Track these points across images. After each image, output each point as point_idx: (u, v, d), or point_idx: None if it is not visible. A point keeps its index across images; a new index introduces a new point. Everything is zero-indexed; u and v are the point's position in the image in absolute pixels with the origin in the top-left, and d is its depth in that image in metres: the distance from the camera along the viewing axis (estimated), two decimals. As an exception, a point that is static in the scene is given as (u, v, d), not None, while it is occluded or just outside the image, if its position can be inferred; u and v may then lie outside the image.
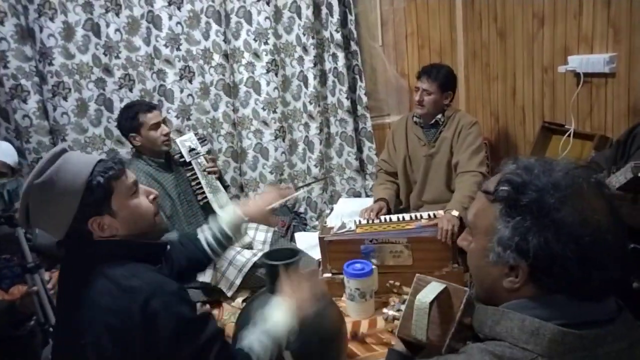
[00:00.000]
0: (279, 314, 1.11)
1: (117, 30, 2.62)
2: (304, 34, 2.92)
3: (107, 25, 2.59)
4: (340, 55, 3.02)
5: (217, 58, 2.80)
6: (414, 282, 0.97)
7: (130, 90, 2.69)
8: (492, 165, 2.62)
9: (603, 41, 2.04)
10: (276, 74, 2.93)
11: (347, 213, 2.25)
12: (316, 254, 2.00)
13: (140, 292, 0.96)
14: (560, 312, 0.69)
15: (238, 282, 2.06)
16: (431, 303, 0.90)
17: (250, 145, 3.00)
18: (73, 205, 0.99)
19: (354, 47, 3.10)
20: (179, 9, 2.71)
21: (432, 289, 0.92)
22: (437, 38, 3.17)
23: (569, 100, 2.25)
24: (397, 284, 1.38)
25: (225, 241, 1.33)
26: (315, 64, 2.97)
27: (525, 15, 2.46)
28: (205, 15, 2.76)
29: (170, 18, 2.69)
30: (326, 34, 3.02)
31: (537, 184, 0.70)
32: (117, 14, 2.60)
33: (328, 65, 3.07)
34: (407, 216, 1.98)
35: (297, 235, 2.63)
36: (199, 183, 2.30)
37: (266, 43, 2.87)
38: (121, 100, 2.66)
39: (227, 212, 1.36)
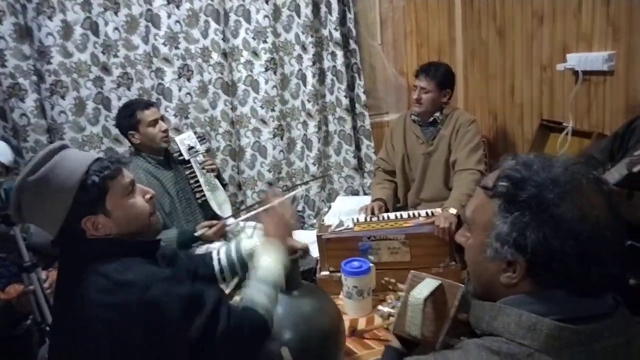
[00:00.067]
0: (266, 258, 1.12)
1: (116, 28, 2.61)
2: (303, 33, 2.92)
3: (106, 24, 2.59)
4: (339, 53, 3.02)
5: (215, 56, 2.80)
6: (408, 279, 0.98)
7: (129, 88, 2.69)
8: (490, 163, 2.62)
9: (602, 39, 2.04)
10: (275, 73, 2.92)
11: (345, 211, 2.25)
12: (314, 251, 2.00)
13: (136, 285, 0.96)
14: (557, 308, 0.69)
15: (233, 284, 2.06)
16: (425, 299, 0.90)
17: (249, 144, 3.00)
18: (66, 203, 0.99)
19: (352, 45, 3.10)
20: (177, 7, 2.70)
21: (426, 286, 0.92)
22: (436, 36, 3.16)
23: (567, 98, 2.25)
24: (393, 280, 1.38)
25: (239, 268, 1.31)
26: (314, 63, 2.96)
27: (524, 14, 2.46)
28: (204, 13, 2.75)
29: (169, 16, 2.68)
30: (325, 32, 3.02)
31: (536, 179, 0.70)
32: (116, 13, 2.60)
33: (327, 63, 3.07)
34: (404, 214, 1.98)
35: (295, 233, 2.62)
36: (198, 181, 2.31)
37: (265, 41, 2.87)
38: (119, 98, 2.66)
39: (253, 241, 1.33)
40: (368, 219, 2.00)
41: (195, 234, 2.01)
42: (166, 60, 2.72)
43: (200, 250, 2.09)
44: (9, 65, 2.39)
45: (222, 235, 2.18)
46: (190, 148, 2.32)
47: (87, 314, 0.97)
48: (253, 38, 2.86)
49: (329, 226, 1.89)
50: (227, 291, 2.08)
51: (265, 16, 2.84)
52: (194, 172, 2.31)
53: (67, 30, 2.50)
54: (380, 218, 2.00)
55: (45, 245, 1.09)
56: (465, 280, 0.90)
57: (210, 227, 2.02)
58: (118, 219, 1.04)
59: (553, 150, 2.30)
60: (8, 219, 1.59)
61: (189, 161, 2.32)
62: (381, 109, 3.37)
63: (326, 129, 3.16)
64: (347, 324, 1.49)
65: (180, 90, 2.78)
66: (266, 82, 2.91)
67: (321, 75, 3.06)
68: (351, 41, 3.10)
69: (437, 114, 2.27)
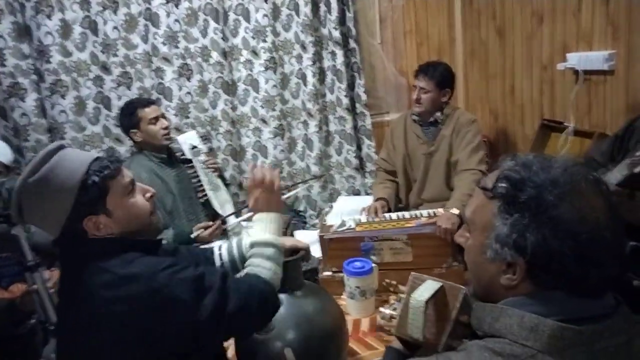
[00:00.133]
0: (260, 228, 1.16)
1: (115, 27, 2.61)
2: (303, 32, 2.92)
3: (105, 23, 2.58)
4: (339, 52, 3.02)
5: (215, 56, 2.79)
6: (409, 281, 0.97)
7: (129, 88, 2.69)
8: (491, 163, 2.62)
9: (602, 38, 2.04)
10: (275, 72, 2.92)
11: (347, 211, 2.25)
12: (316, 252, 2.00)
13: (141, 277, 0.96)
14: (558, 308, 0.70)
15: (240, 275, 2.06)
16: (427, 302, 0.90)
17: (249, 143, 3.00)
18: (67, 204, 0.99)
19: (352, 44, 3.10)
20: (176, 6, 2.70)
21: (427, 288, 0.92)
22: (436, 36, 3.16)
23: (568, 98, 2.25)
24: (394, 282, 1.38)
25: (241, 265, 1.31)
26: (314, 62, 2.96)
27: (524, 13, 2.46)
28: (203, 12, 2.75)
29: (168, 15, 2.68)
30: (325, 31, 3.01)
31: (536, 180, 0.70)
32: (115, 12, 2.59)
33: (327, 62, 3.07)
34: (406, 214, 1.98)
35: (297, 233, 2.63)
36: (200, 180, 2.32)
37: (264, 41, 2.86)
38: (119, 98, 2.65)
39: (251, 236, 1.33)
40: (370, 219, 2.00)
41: (192, 236, 2.01)
42: (166, 59, 2.72)
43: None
44: (8, 64, 2.38)
45: (223, 232, 2.18)
46: (193, 147, 2.33)
47: (93, 312, 0.97)
48: (252, 37, 2.85)
49: (331, 226, 1.89)
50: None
51: (265, 15, 2.83)
52: (196, 171, 2.32)
53: (66, 29, 2.49)
54: (382, 218, 2.00)
55: (47, 245, 1.09)
56: (468, 282, 0.90)
57: (206, 228, 2.02)
58: (119, 219, 1.04)
59: (554, 150, 2.31)
60: (10, 219, 1.59)
61: (191, 160, 2.32)
62: (381, 109, 3.37)
63: (327, 129, 3.15)
64: (349, 324, 1.49)
65: (180, 89, 2.78)
66: (266, 81, 2.91)
67: (321, 75, 3.06)
68: (351, 40, 3.09)
69: (438, 113, 2.26)
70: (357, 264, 1.62)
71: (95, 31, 2.57)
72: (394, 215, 2.01)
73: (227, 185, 2.49)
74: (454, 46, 3.05)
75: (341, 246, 1.80)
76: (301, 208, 3.14)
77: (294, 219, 2.91)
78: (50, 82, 2.50)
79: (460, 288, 0.90)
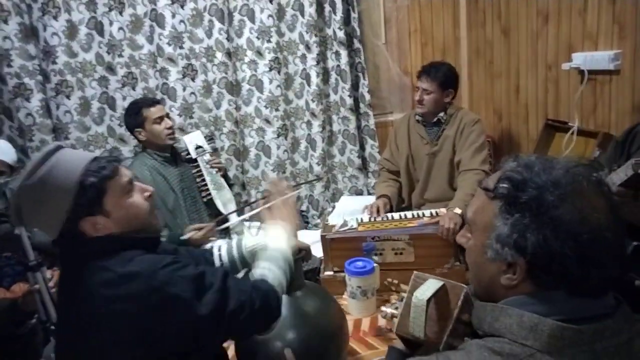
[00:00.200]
0: (273, 238, 1.14)
1: (121, 28, 2.62)
2: (307, 32, 2.92)
3: (111, 24, 2.60)
4: (343, 53, 3.02)
5: (219, 56, 2.80)
6: (411, 280, 0.97)
7: (133, 88, 2.70)
8: (494, 163, 2.61)
9: (608, 38, 2.02)
10: (279, 72, 2.93)
11: (349, 211, 2.25)
12: (318, 251, 2.00)
13: (141, 275, 0.96)
14: (558, 308, 0.69)
15: (240, 276, 2.06)
16: (428, 300, 0.90)
17: (253, 143, 3.01)
18: (65, 205, 0.98)
19: (357, 44, 3.10)
20: (182, 7, 2.71)
21: (429, 286, 0.92)
22: (441, 36, 3.15)
23: (572, 97, 2.23)
24: (395, 281, 1.38)
25: (240, 266, 1.32)
26: (318, 62, 2.96)
27: (530, 13, 2.44)
28: (208, 13, 2.76)
29: (173, 16, 2.69)
30: (329, 31, 3.01)
31: (537, 181, 0.70)
32: (121, 13, 2.61)
33: (331, 63, 3.07)
34: (409, 214, 1.98)
35: (299, 233, 2.63)
36: (204, 180, 2.34)
37: (269, 41, 2.87)
38: (124, 98, 2.67)
39: (255, 240, 1.34)
40: (372, 218, 1.99)
41: (183, 237, 2.02)
42: (171, 60, 2.73)
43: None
44: (14, 65, 2.40)
45: (225, 231, 2.18)
46: (198, 147, 2.36)
47: (94, 311, 0.97)
48: (257, 37, 2.86)
49: (333, 226, 1.88)
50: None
51: (270, 16, 2.84)
52: (200, 170, 2.34)
53: (72, 30, 2.51)
54: (384, 218, 1.99)
55: (48, 244, 1.09)
56: (470, 281, 0.90)
57: (199, 229, 2.03)
58: (117, 219, 1.04)
59: (558, 150, 2.29)
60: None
61: (196, 160, 2.34)
62: (385, 109, 3.36)
63: (330, 129, 3.15)
64: (350, 324, 1.49)
65: (184, 89, 2.79)
66: (270, 81, 2.91)
67: (325, 75, 3.06)
68: (355, 40, 3.09)
69: (441, 114, 2.26)
70: (359, 263, 1.62)
71: (101, 32, 2.59)
72: (396, 215, 2.01)
73: (230, 185, 2.50)
74: (459, 46, 3.04)
75: (343, 246, 1.80)
76: (304, 208, 3.14)
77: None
78: (55, 83, 2.52)
79: (462, 287, 0.90)
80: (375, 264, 1.64)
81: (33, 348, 1.71)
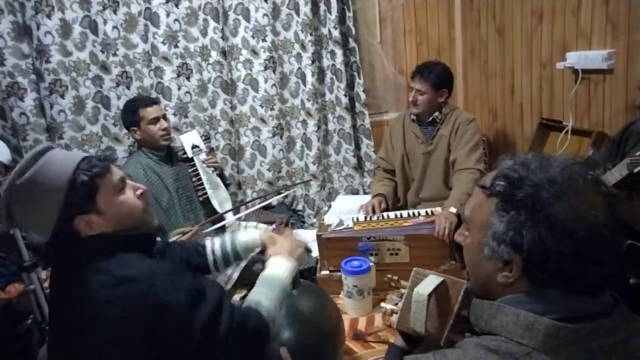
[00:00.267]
0: (274, 267, 1.12)
1: (115, 27, 2.61)
2: (302, 31, 2.92)
3: (105, 23, 2.58)
4: (339, 52, 3.02)
5: (214, 55, 2.79)
6: (411, 276, 0.98)
7: (128, 87, 2.68)
8: (490, 161, 2.62)
9: (601, 37, 2.04)
10: (274, 71, 2.92)
11: (345, 210, 2.25)
12: (314, 251, 2.00)
13: (138, 280, 0.95)
14: (555, 307, 0.70)
15: (235, 276, 2.07)
16: (429, 295, 0.90)
17: (248, 143, 3.00)
18: (57, 204, 0.98)
19: (352, 44, 3.10)
20: (176, 6, 2.70)
21: (430, 282, 0.93)
22: (436, 35, 3.16)
23: (567, 96, 2.25)
24: (395, 278, 1.38)
25: (232, 259, 1.32)
26: (313, 61, 2.96)
27: (524, 12, 2.46)
28: (203, 12, 2.75)
29: (167, 15, 2.68)
30: (324, 31, 3.01)
31: (533, 179, 0.70)
32: (115, 11, 2.59)
33: (326, 62, 3.07)
34: (404, 213, 1.98)
35: (295, 232, 2.63)
36: (200, 179, 2.34)
37: (264, 40, 2.86)
38: (118, 97, 2.66)
39: (247, 234, 1.34)
40: (368, 218, 2.00)
41: (169, 240, 2.01)
42: (165, 59, 2.72)
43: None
44: (7, 64, 2.38)
45: (222, 229, 2.18)
46: (194, 147, 2.36)
47: (88, 312, 0.97)
48: (252, 37, 2.85)
49: (329, 225, 1.88)
50: (227, 287, 2.09)
51: (265, 15, 2.83)
52: (196, 170, 2.34)
53: (65, 28, 2.49)
54: (380, 217, 2.00)
55: (44, 245, 1.09)
56: (467, 280, 0.91)
57: (183, 233, 2.02)
58: (111, 217, 1.04)
59: (553, 149, 2.31)
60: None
61: (192, 159, 2.34)
62: (380, 108, 3.37)
63: (326, 128, 3.15)
64: (347, 323, 1.49)
65: (179, 89, 2.78)
66: (265, 80, 2.91)
67: (320, 74, 3.06)
68: (350, 40, 3.09)
69: (436, 113, 2.26)
70: (355, 262, 1.62)
71: (95, 31, 2.57)
72: (391, 214, 2.01)
73: (226, 184, 2.50)
74: (454, 45, 3.05)
75: (339, 245, 1.80)
76: (299, 207, 3.13)
77: (292, 218, 2.91)
78: (49, 82, 2.50)
79: (462, 283, 0.91)
80: (371, 263, 1.65)
81: (29, 349, 1.70)
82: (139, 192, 1.11)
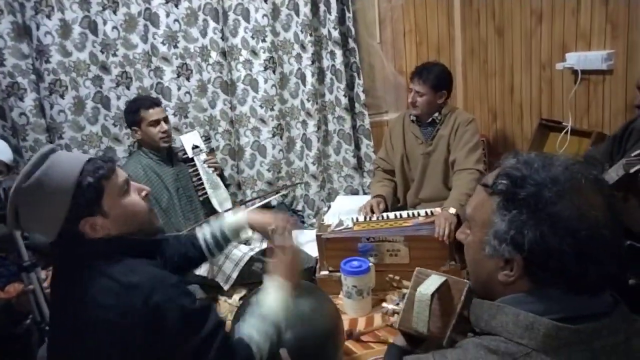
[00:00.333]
0: (271, 297, 1.11)
1: (114, 27, 2.61)
2: (302, 32, 2.92)
3: (104, 23, 2.58)
4: (338, 52, 3.02)
5: (214, 56, 2.79)
6: (414, 275, 0.98)
7: (128, 88, 2.68)
8: (489, 162, 2.62)
9: (601, 38, 2.04)
10: (274, 72, 2.92)
11: (345, 211, 2.25)
12: (313, 251, 2.00)
13: (141, 288, 0.95)
14: (555, 307, 0.70)
15: (234, 275, 2.07)
16: (432, 295, 0.90)
17: (248, 143, 3.00)
18: (63, 206, 0.98)
19: (352, 44, 3.10)
20: (176, 6, 2.70)
21: (432, 282, 0.93)
22: (435, 35, 3.16)
23: (566, 97, 2.25)
24: (397, 277, 1.38)
25: (222, 241, 1.33)
26: (313, 62, 2.96)
27: (523, 12, 2.46)
28: (202, 12, 2.75)
29: (167, 15, 2.68)
30: (324, 31, 3.01)
31: (536, 178, 0.70)
32: (114, 12, 2.59)
33: (326, 62, 3.07)
34: (404, 213, 1.98)
35: (295, 233, 2.63)
36: (200, 179, 2.35)
37: (264, 40, 2.86)
38: (118, 98, 2.66)
39: (231, 214, 1.36)
40: (367, 218, 2.00)
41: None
42: (165, 59, 2.72)
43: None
44: (7, 64, 2.38)
45: None
46: (195, 147, 2.36)
47: (89, 314, 0.97)
48: (252, 37, 2.85)
49: (329, 226, 1.88)
50: (225, 288, 2.09)
51: (264, 15, 2.83)
52: (197, 170, 2.35)
53: (65, 29, 2.49)
54: (380, 217, 2.00)
55: (47, 245, 1.09)
56: (467, 279, 0.92)
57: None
58: (116, 219, 1.04)
59: (552, 150, 2.31)
60: (6, 219, 1.58)
61: (192, 159, 2.35)
62: (380, 108, 3.37)
63: (325, 128, 3.15)
64: (346, 323, 1.49)
65: (179, 89, 2.78)
66: (265, 81, 2.91)
67: (320, 75, 3.06)
68: (350, 40, 3.09)
69: (436, 114, 2.26)
70: (355, 263, 1.62)
71: (94, 31, 2.57)
72: (391, 215, 2.01)
73: (226, 184, 2.50)
74: (454, 45, 3.05)
75: (338, 246, 1.80)
76: (299, 207, 3.13)
77: (291, 218, 2.91)
78: (49, 82, 2.50)
79: (465, 282, 0.91)
80: (370, 264, 1.65)
81: (29, 348, 1.70)
82: (143, 193, 1.11)
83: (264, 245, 2.27)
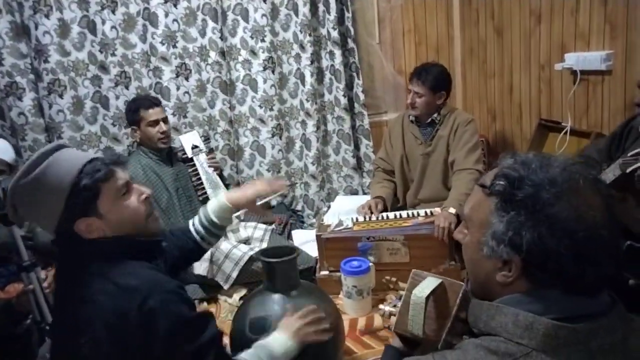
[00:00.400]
0: (280, 335, 1.11)
1: (113, 27, 2.60)
2: (301, 32, 2.92)
3: (103, 23, 2.58)
4: (337, 52, 3.02)
5: (213, 55, 2.79)
6: (410, 278, 0.98)
7: (127, 87, 2.68)
8: (489, 162, 2.62)
9: (600, 38, 2.04)
10: (273, 72, 2.92)
11: (344, 211, 2.25)
12: (313, 251, 2.00)
13: (138, 291, 0.95)
14: (554, 307, 0.70)
15: (234, 275, 2.07)
16: (427, 298, 0.90)
17: (247, 143, 3.00)
18: (58, 206, 0.98)
19: (351, 44, 3.10)
20: (175, 6, 2.69)
21: (428, 284, 0.92)
22: (434, 35, 3.17)
23: (565, 97, 2.25)
24: (394, 279, 1.38)
25: (212, 228, 1.33)
26: (312, 62, 2.96)
27: (522, 12, 2.46)
28: (201, 12, 2.75)
29: (166, 15, 2.67)
30: (323, 31, 3.01)
31: (534, 179, 0.70)
32: (113, 11, 2.59)
33: (325, 62, 3.07)
34: (404, 213, 1.99)
35: (295, 232, 2.63)
36: (200, 179, 2.35)
37: (263, 40, 2.86)
38: (117, 97, 2.65)
39: (213, 200, 1.36)
40: (367, 218, 2.00)
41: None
42: (164, 59, 2.72)
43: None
44: (6, 63, 2.37)
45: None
46: (195, 147, 2.37)
47: (88, 314, 0.97)
48: (251, 37, 2.85)
49: (328, 226, 1.89)
50: (225, 287, 2.09)
51: (263, 15, 2.83)
52: (196, 170, 2.35)
53: (64, 28, 2.49)
54: (380, 217, 2.00)
55: (50, 245, 1.10)
56: (466, 280, 0.91)
57: None
58: (111, 222, 1.03)
59: (551, 150, 2.31)
60: (6, 219, 1.58)
61: (191, 159, 2.35)
62: (380, 108, 3.37)
63: (325, 129, 3.15)
64: (346, 323, 1.49)
65: (178, 89, 2.78)
66: (264, 81, 2.91)
67: (319, 75, 3.06)
68: (349, 40, 3.09)
69: (435, 114, 2.26)
70: (355, 263, 1.62)
71: (93, 31, 2.57)
72: (391, 215, 2.01)
73: (226, 184, 2.50)
74: (453, 45, 3.05)
75: (338, 246, 1.80)
76: (299, 207, 3.13)
77: (291, 218, 2.91)
78: (47, 82, 2.50)
79: (460, 285, 0.91)
80: (370, 264, 1.65)
81: (29, 348, 1.70)
82: (142, 197, 1.10)
83: (264, 245, 2.27)
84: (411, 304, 0.91)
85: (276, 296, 1.26)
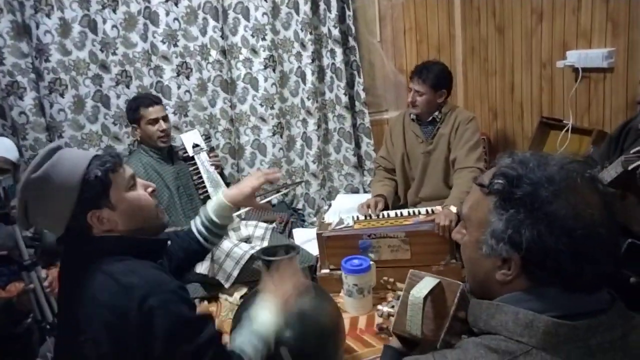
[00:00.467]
0: (264, 314, 1.10)
1: (114, 26, 2.61)
2: (302, 30, 2.91)
3: (104, 22, 2.58)
4: (338, 51, 3.02)
5: (214, 54, 2.79)
6: (407, 278, 0.98)
7: (127, 86, 2.69)
8: (490, 160, 2.62)
9: (601, 36, 2.03)
10: (274, 70, 2.92)
11: (345, 209, 2.25)
12: (314, 250, 2.00)
13: (138, 290, 0.95)
14: (553, 304, 0.70)
15: (235, 273, 2.07)
16: (425, 298, 0.90)
17: (248, 142, 3.00)
18: (71, 198, 0.98)
19: (352, 42, 3.09)
20: (176, 5, 2.70)
21: (425, 284, 0.92)
22: (436, 33, 3.16)
23: (567, 95, 2.25)
24: (391, 280, 1.38)
25: (213, 227, 1.33)
26: (313, 60, 2.96)
27: (524, 11, 2.45)
28: (202, 11, 2.75)
29: (167, 14, 2.67)
30: (324, 29, 3.01)
31: (532, 177, 0.70)
32: (114, 10, 2.59)
33: (326, 61, 3.06)
34: (405, 212, 1.99)
35: (295, 231, 2.63)
36: (201, 177, 2.35)
37: (264, 39, 2.86)
38: (118, 96, 2.66)
39: (212, 200, 1.37)
40: (368, 216, 2.00)
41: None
42: (165, 58, 2.72)
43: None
44: (7, 63, 2.38)
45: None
46: (195, 146, 2.36)
47: (90, 312, 0.97)
48: (252, 35, 2.85)
49: (329, 224, 1.89)
50: (226, 286, 2.09)
51: (264, 13, 2.83)
52: (197, 168, 2.35)
53: (65, 27, 2.49)
54: (381, 216, 2.00)
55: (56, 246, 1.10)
56: (465, 278, 0.91)
57: None
58: (123, 212, 1.04)
59: (553, 148, 2.31)
60: (7, 217, 1.59)
61: (192, 157, 2.35)
62: (380, 107, 3.36)
63: (326, 127, 3.15)
64: (347, 322, 1.49)
65: (179, 88, 2.78)
66: (265, 79, 2.91)
67: (320, 73, 3.06)
68: (350, 38, 3.09)
69: (436, 113, 2.26)
70: (355, 261, 1.62)
71: (94, 30, 2.57)
72: (392, 213, 2.01)
73: (227, 183, 2.50)
74: (454, 44, 3.05)
75: (339, 244, 1.80)
76: (299, 206, 3.14)
77: (292, 216, 2.91)
78: (49, 81, 2.50)
79: (458, 284, 0.90)
80: (371, 262, 1.65)
81: (29, 347, 1.70)
82: (149, 189, 1.12)
83: (265, 243, 2.27)
84: (409, 304, 0.91)
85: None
